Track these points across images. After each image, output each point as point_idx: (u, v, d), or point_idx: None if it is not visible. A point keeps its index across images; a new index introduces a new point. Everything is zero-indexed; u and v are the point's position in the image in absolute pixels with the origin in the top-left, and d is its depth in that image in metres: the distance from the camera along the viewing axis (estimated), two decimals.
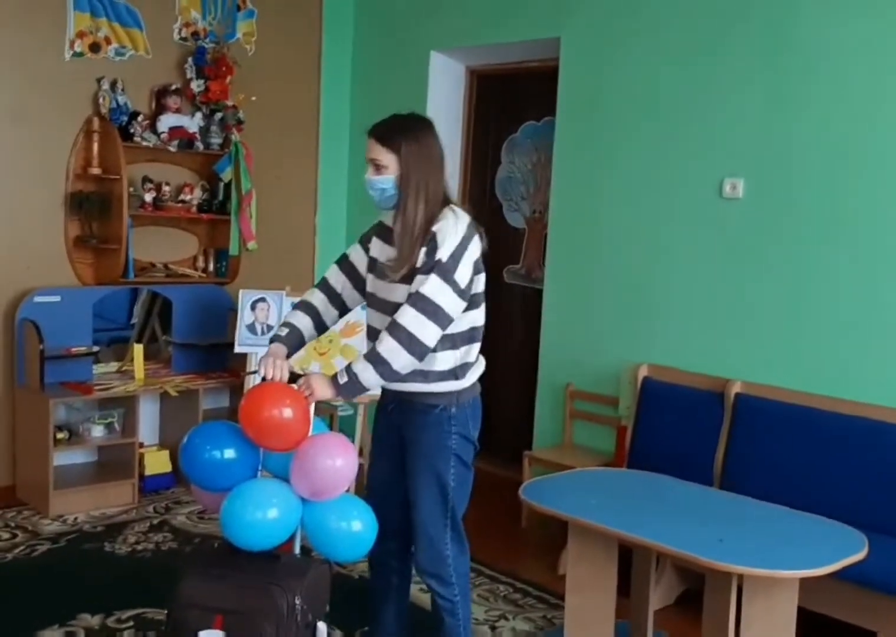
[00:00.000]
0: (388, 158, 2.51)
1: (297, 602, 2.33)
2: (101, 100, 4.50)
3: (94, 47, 4.54)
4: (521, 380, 5.02)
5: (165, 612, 2.43)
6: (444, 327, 2.47)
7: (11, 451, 4.49)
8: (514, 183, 5.20)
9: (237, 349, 4.62)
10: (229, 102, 4.83)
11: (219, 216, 4.87)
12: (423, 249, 2.48)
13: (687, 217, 4.06)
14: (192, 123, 4.76)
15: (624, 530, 2.67)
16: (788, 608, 2.73)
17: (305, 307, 2.73)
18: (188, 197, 4.79)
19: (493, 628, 3.37)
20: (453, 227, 2.47)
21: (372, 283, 2.66)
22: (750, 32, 3.82)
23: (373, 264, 2.67)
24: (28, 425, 4.37)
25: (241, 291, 4.65)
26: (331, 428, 4.55)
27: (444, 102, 5.21)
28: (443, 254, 2.45)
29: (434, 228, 2.48)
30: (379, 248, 2.66)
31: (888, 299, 3.48)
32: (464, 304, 2.52)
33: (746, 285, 3.87)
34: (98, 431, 4.47)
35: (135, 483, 4.48)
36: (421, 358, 2.47)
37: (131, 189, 4.52)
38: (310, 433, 2.47)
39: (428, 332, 2.44)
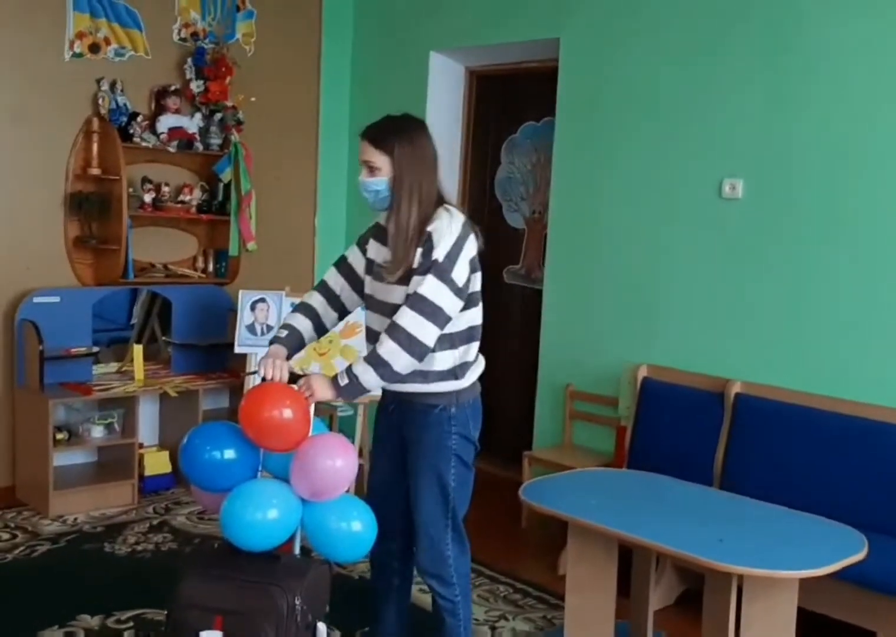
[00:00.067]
0: (381, 160, 2.51)
1: (297, 602, 2.33)
2: (100, 100, 4.50)
3: (94, 48, 4.54)
4: (521, 380, 5.02)
5: (165, 612, 2.43)
6: (442, 327, 2.48)
7: (11, 452, 4.49)
8: (514, 183, 5.20)
9: (237, 350, 4.62)
10: (229, 103, 4.83)
11: (218, 217, 4.87)
12: (419, 250, 2.48)
13: (687, 217, 4.06)
14: (192, 124, 4.76)
15: (624, 530, 2.67)
16: (788, 608, 2.73)
17: (304, 309, 2.73)
18: (188, 197, 4.79)
19: (493, 629, 3.37)
20: (448, 227, 2.47)
21: (370, 285, 2.66)
22: (750, 32, 3.82)
23: (370, 266, 2.67)
24: (28, 426, 4.37)
25: (240, 292, 4.65)
26: (331, 428, 4.55)
27: (444, 103, 5.21)
28: (439, 254, 2.45)
29: (429, 229, 2.48)
30: (376, 250, 2.66)
31: (888, 299, 3.48)
32: (461, 304, 2.52)
33: (746, 285, 3.87)
34: (98, 432, 4.47)
35: (134, 483, 4.48)
36: (421, 358, 2.47)
37: (131, 189, 4.53)
38: (310, 434, 2.47)
39: (427, 333, 2.44)
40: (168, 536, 4.09)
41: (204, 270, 4.99)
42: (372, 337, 2.63)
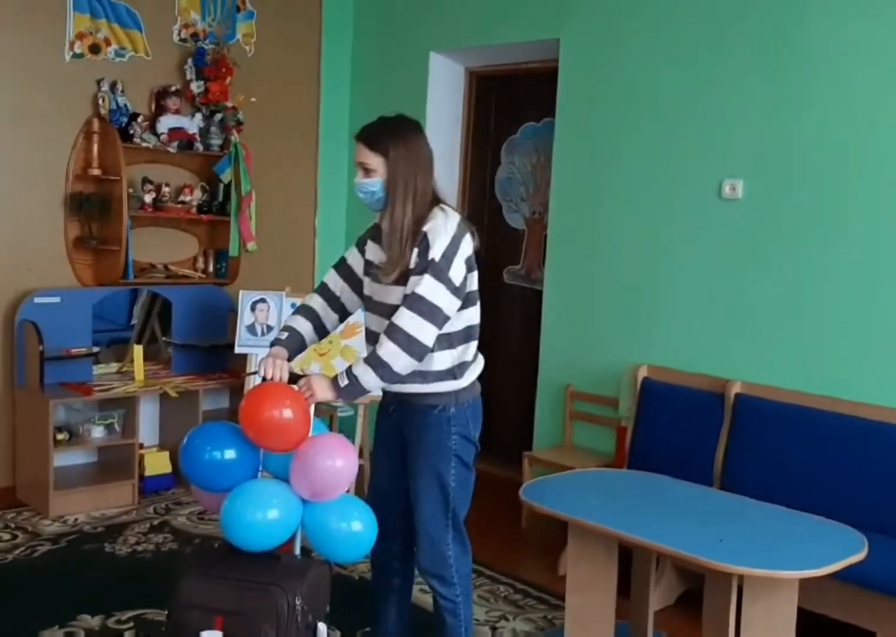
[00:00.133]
0: (375, 162, 2.51)
1: (298, 603, 2.33)
2: (100, 101, 4.51)
3: (94, 48, 4.54)
4: (521, 380, 5.02)
5: (165, 612, 2.43)
6: (441, 326, 2.48)
7: (11, 452, 4.49)
8: (514, 184, 5.20)
9: (237, 350, 4.62)
10: (229, 103, 4.83)
11: (219, 217, 4.87)
12: (415, 251, 2.48)
13: (687, 218, 4.06)
14: (192, 125, 4.76)
15: (624, 531, 2.67)
16: (788, 608, 2.73)
17: (305, 311, 2.73)
18: (188, 198, 4.79)
19: (493, 629, 3.37)
20: (443, 226, 2.48)
21: (368, 287, 2.67)
22: (750, 33, 3.82)
23: (368, 267, 2.67)
24: (28, 426, 4.37)
25: (241, 292, 4.65)
26: (331, 429, 4.55)
27: (444, 103, 5.21)
28: (435, 253, 2.45)
29: (425, 229, 2.48)
30: (373, 251, 2.66)
31: (888, 299, 3.48)
32: (459, 303, 2.52)
33: (746, 286, 3.87)
34: (98, 432, 4.47)
35: (135, 484, 4.48)
36: (420, 358, 2.47)
37: (131, 190, 4.53)
38: (310, 434, 2.48)
39: (426, 333, 2.45)
40: (168, 537, 4.09)
41: (204, 271, 5.00)
42: (371, 338, 2.63)
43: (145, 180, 4.64)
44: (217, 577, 2.37)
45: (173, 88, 4.71)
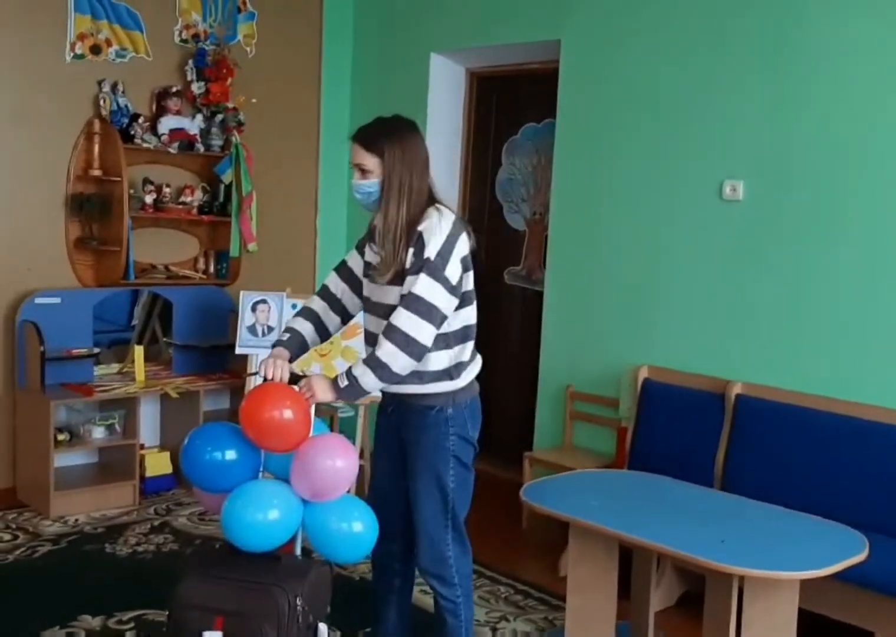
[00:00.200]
0: (371, 162, 2.51)
1: (299, 603, 2.33)
2: (101, 102, 4.51)
3: (95, 49, 4.54)
4: (521, 381, 5.02)
5: (166, 613, 2.43)
6: (438, 326, 2.48)
7: (12, 453, 4.50)
8: (515, 185, 5.20)
9: (238, 351, 4.62)
10: (230, 104, 4.83)
11: (219, 218, 4.88)
12: (411, 250, 2.48)
13: (687, 219, 4.06)
14: (193, 125, 4.77)
15: (624, 531, 2.67)
16: (789, 609, 2.72)
17: (306, 313, 2.74)
18: (189, 199, 4.79)
19: (494, 630, 3.37)
20: (438, 225, 2.48)
21: (367, 288, 2.67)
22: (750, 33, 3.82)
23: (367, 268, 2.68)
24: (29, 427, 4.37)
25: (241, 293, 4.66)
26: (331, 429, 4.55)
27: (445, 104, 5.21)
28: (430, 252, 2.46)
29: (420, 228, 2.48)
30: (371, 252, 2.67)
31: (888, 299, 3.48)
32: (456, 302, 2.52)
33: (746, 287, 3.87)
34: (99, 433, 4.47)
35: (135, 484, 4.48)
36: (419, 358, 2.47)
37: (132, 191, 4.53)
38: (310, 434, 2.48)
39: (424, 332, 2.45)
40: (169, 537, 4.09)
41: (205, 271, 5.00)
42: (370, 339, 2.63)
43: (146, 181, 4.65)
44: (218, 578, 2.37)
45: (174, 89, 4.72)
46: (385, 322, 2.49)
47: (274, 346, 2.66)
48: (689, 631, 3.28)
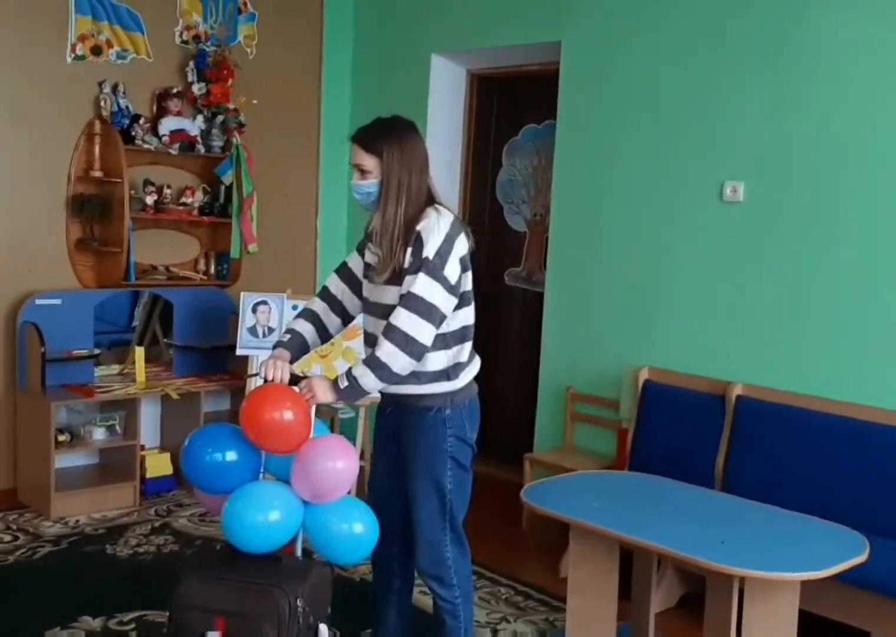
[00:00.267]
0: (370, 162, 2.52)
1: (299, 604, 2.33)
2: (102, 103, 4.51)
3: (96, 50, 4.55)
4: (521, 382, 5.02)
5: (167, 614, 2.43)
6: (438, 325, 2.48)
7: (13, 454, 4.50)
8: (516, 186, 5.20)
9: (239, 352, 4.62)
10: (230, 105, 4.84)
11: (220, 219, 4.88)
12: (409, 250, 2.48)
13: (687, 220, 4.06)
14: (194, 126, 4.77)
15: (625, 532, 2.67)
16: (789, 610, 2.73)
17: (307, 315, 2.74)
18: (189, 200, 4.79)
19: (494, 631, 3.37)
20: (436, 225, 2.48)
21: (366, 288, 2.67)
22: (750, 33, 3.82)
23: (367, 269, 2.68)
24: (29, 428, 4.38)
25: (242, 294, 4.66)
26: (332, 430, 4.55)
27: (445, 105, 5.21)
28: (429, 251, 2.46)
29: (418, 228, 2.48)
30: (370, 252, 2.67)
31: (888, 300, 3.48)
32: (455, 301, 2.52)
33: (747, 288, 3.87)
34: (99, 434, 4.47)
35: (136, 485, 4.48)
36: (419, 358, 2.47)
37: (132, 192, 4.53)
38: (311, 435, 2.48)
39: (423, 332, 2.45)
40: (169, 538, 4.09)
41: (205, 272, 5.00)
42: (369, 340, 2.63)
43: (147, 182, 4.65)
44: (218, 579, 2.37)
45: (175, 90, 4.72)
46: (383, 322, 2.49)
47: (274, 347, 2.66)
48: (690, 632, 3.28)
